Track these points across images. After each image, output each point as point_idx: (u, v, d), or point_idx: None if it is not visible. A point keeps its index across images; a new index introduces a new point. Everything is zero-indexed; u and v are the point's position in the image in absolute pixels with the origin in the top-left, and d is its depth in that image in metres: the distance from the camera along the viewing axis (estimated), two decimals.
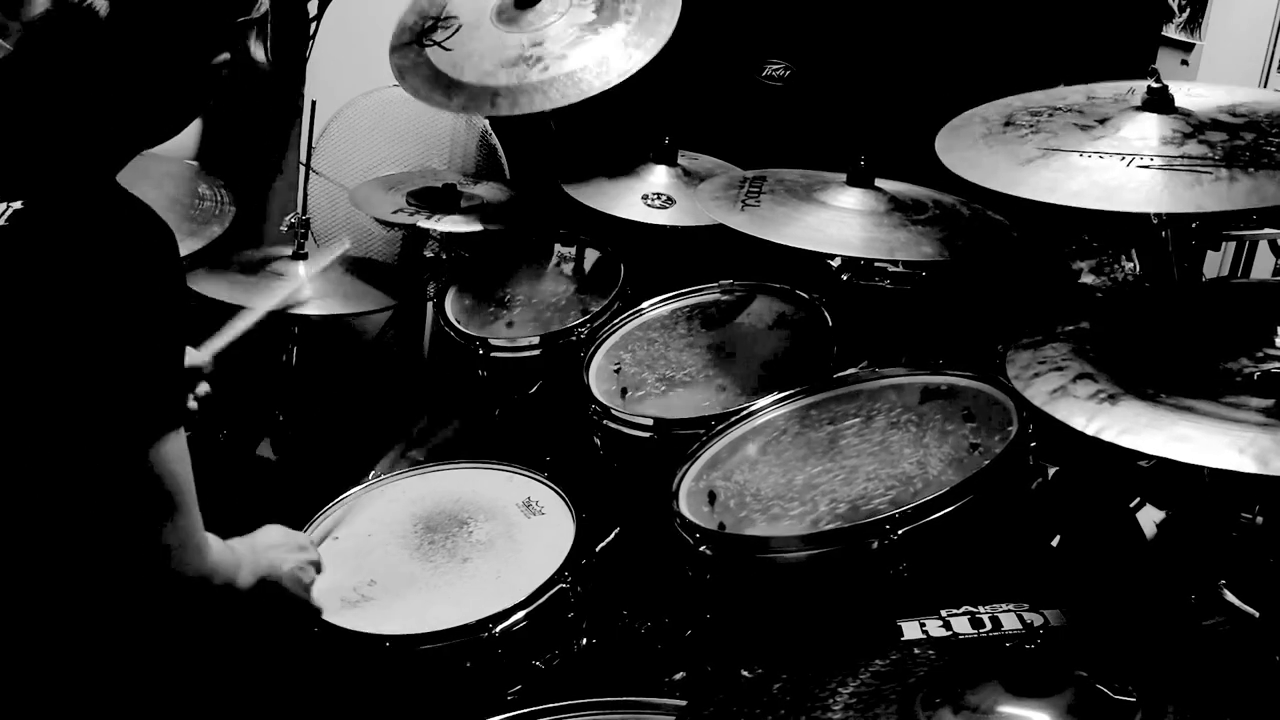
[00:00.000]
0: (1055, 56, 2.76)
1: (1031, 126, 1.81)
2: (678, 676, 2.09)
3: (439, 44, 2.73)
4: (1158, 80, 1.76)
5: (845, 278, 2.46)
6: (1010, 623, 1.56)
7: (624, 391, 2.36)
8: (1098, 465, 2.10)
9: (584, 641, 2.03)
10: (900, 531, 1.75)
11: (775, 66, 3.13)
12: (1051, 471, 2.03)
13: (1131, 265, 2.33)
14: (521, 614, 1.94)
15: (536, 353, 2.60)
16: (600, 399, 2.33)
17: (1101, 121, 1.77)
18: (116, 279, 1.33)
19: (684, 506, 2.01)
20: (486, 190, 3.09)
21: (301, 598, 1.77)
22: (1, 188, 1.33)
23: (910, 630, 1.55)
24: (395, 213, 2.91)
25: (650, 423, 2.24)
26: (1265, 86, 2.77)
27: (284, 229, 3.01)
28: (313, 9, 3.05)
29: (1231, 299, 1.87)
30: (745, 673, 1.89)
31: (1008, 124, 1.84)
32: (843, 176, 2.33)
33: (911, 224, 2.21)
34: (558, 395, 2.57)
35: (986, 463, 1.85)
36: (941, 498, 1.78)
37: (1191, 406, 1.44)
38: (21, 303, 1.32)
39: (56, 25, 1.37)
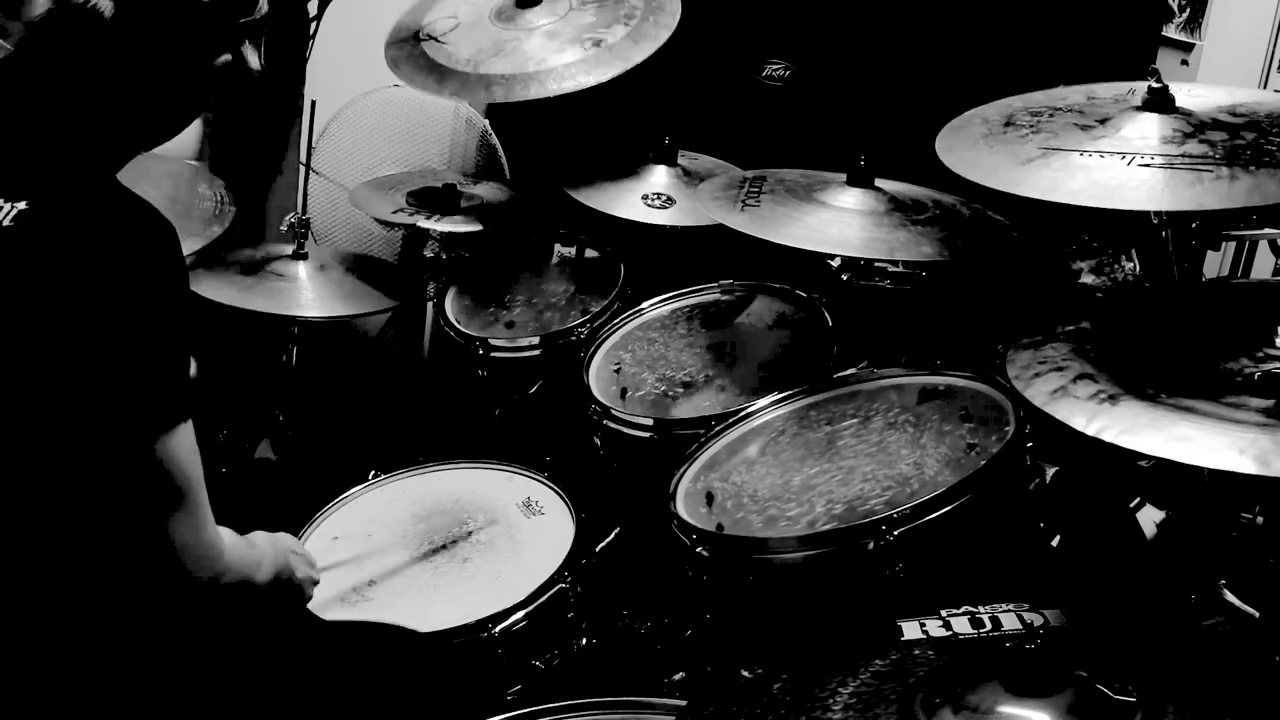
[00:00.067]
0: (1055, 57, 2.76)
1: (1032, 126, 1.81)
2: (678, 676, 2.09)
3: (435, 38, 2.73)
4: (1158, 80, 1.76)
5: (845, 278, 2.46)
6: (1010, 623, 1.56)
7: (624, 392, 2.36)
8: (1098, 465, 2.10)
9: (584, 641, 2.03)
10: (896, 532, 1.75)
11: (775, 66, 3.13)
12: (1051, 472, 2.03)
13: (1131, 265, 2.33)
14: (521, 614, 1.94)
15: (536, 353, 2.60)
16: (600, 399, 2.33)
17: (1102, 121, 1.76)
18: (121, 276, 1.33)
19: (681, 508, 2.01)
20: (486, 190, 3.08)
21: (300, 605, 1.78)
22: (6, 188, 1.34)
23: (910, 630, 1.55)
24: (395, 213, 2.91)
25: (650, 423, 2.24)
26: (1265, 87, 2.77)
27: (284, 229, 3.01)
28: (313, 9, 3.05)
29: (1231, 299, 1.86)
30: (745, 673, 1.89)
31: (1008, 124, 1.84)
32: (843, 176, 2.33)
33: (911, 224, 2.21)
34: (558, 395, 2.57)
35: (983, 463, 1.85)
36: (937, 498, 1.78)
37: (1191, 407, 1.44)
38: (28, 301, 1.32)
39: (61, 25, 1.37)
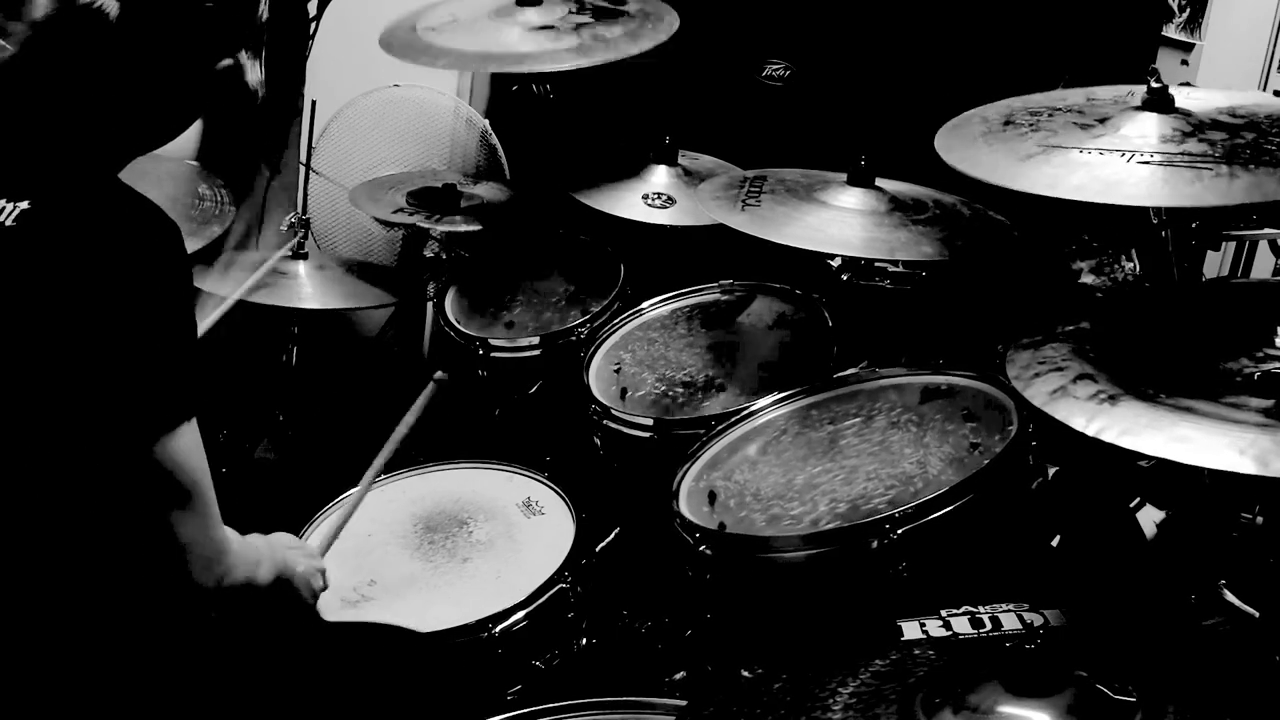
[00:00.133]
0: (1055, 57, 2.76)
1: (1031, 125, 1.81)
2: (678, 676, 2.09)
3: (431, 28, 2.75)
4: (1158, 80, 1.76)
5: (845, 278, 2.46)
6: (1010, 623, 1.56)
7: (624, 392, 2.36)
8: (1098, 465, 2.10)
9: (584, 641, 2.03)
10: (900, 531, 1.75)
11: (775, 66, 3.13)
12: (1051, 471, 2.03)
13: (1131, 265, 2.33)
14: (521, 614, 1.94)
15: (536, 353, 2.60)
16: (600, 399, 2.33)
17: (1101, 121, 1.76)
18: (125, 275, 1.34)
19: (684, 506, 2.01)
20: (486, 190, 3.08)
21: (308, 602, 1.78)
22: (9, 188, 1.34)
23: (910, 630, 1.56)
24: (395, 213, 2.91)
25: (650, 423, 2.24)
26: (1265, 87, 2.77)
27: (284, 229, 3.01)
28: (313, 9, 3.05)
29: (1231, 299, 1.87)
30: (745, 673, 1.89)
31: (1007, 123, 1.84)
32: (843, 176, 2.33)
33: (911, 224, 2.21)
34: (558, 395, 2.57)
35: (986, 462, 1.85)
36: (941, 497, 1.78)
37: (1191, 407, 1.44)
38: (32, 300, 1.33)
39: (66, 26, 1.37)
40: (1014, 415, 1.93)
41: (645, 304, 2.62)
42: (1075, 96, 1.88)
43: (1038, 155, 1.72)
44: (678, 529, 1.97)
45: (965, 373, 2.11)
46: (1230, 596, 1.82)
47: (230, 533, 1.50)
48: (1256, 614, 1.78)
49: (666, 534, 2.00)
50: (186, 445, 1.39)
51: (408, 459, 2.51)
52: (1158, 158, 1.64)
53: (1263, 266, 2.56)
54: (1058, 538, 2.06)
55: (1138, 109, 1.76)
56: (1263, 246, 2.50)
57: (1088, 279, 2.35)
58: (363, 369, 3.46)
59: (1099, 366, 1.57)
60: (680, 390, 2.35)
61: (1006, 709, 1.18)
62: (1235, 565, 1.86)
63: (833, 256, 2.44)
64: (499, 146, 3.50)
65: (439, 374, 2.18)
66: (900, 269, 2.45)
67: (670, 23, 2.69)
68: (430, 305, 3.00)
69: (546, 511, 2.19)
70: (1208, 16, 2.87)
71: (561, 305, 2.73)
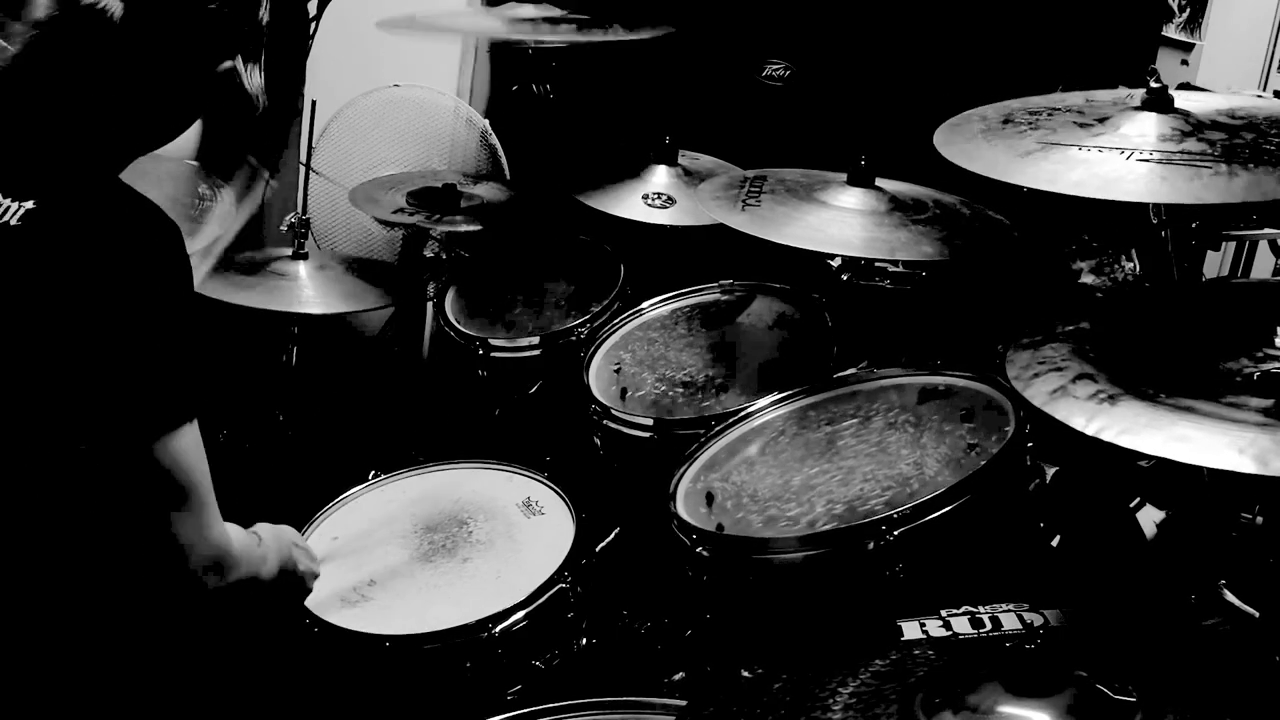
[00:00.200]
0: (1055, 56, 2.76)
1: (1030, 124, 1.81)
2: (678, 676, 2.09)
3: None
4: (1157, 80, 1.76)
5: (845, 278, 2.46)
6: (1010, 623, 1.56)
7: (624, 392, 2.36)
8: (1098, 465, 2.10)
9: (584, 641, 2.03)
10: (896, 532, 1.75)
11: (775, 66, 3.13)
12: (1051, 472, 2.03)
13: (1131, 265, 2.33)
14: (521, 614, 1.94)
15: (536, 353, 2.60)
16: (600, 399, 2.33)
17: (1101, 120, 1.76)
18: (127, 275, 1.34)
19: (681, 508, 2.01)
20: (486, 190, 3.08)
21: (301, 598, 1.79)
22: (14, 187, 1.34)
23: (910, 630, 1.55)
24: (395, 213, 2.92)
25: (650, 423, 2.24)
26: (1265, 87, 2.77)
27: (284, 229, 3.01)
28: (313, 9, 3.05)
29: (1231, 299, 1.86)
30: (745, 673, 1.89)
31: (1006, 122, 1.84)
32: (843, 176, 2.33)
33: (911, 224, 2.21)
34: (558, 395, 2.57)
35: (983, 463, 1.85)
36: (937, 498, 1.78)
37: (1191, 407, 1.44)
38: (34, 299, 1.33)
39: (69, 27, 1.38)
40: (1011, 416, 1.93)
41: (645, 304, 2.62)
42: (1074, 98, 1.88)
43: (1036, 152, 1.72)
44: (675, 530, 1.97)
45: (963, 373, 2.10)
46: (1230, 596, 1.82)
47: (233, 531, 1.51)
48: (1256, 614, 1.78)
49: (666, 534, 2.00)
50: (187, 446, 1.39)
51: (408, 459, 2.52)
52: (1157, 156, 1.64)
53: (1263, 266, 2.56)
54: (1058, 538, 2.06)
55: (1137, 109, 1.76)
56: (1263, 246, 2.50)
57: (1088, 279, 2.35)
58: (363, 369, 3.46)
59: (1099, 366, 1.57)
60: (680, 390, 2.35)
61: (1006, 709, 1.18)
62: (1235, 565, 1.86)
63: (833, 256, 2.44)
64: (499, 146, 3.50)
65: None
66: (900, 269, 2.45)
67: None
68: (430, 305, 3.00)
69: (546, 511, 2.19)
70: (1208, 16, 2.87)
71: (561, 305, 2.73)
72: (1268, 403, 1.45)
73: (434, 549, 2.13)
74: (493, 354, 2.62)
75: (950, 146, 1.81)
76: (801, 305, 2.49)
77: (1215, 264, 2.63)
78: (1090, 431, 1.45)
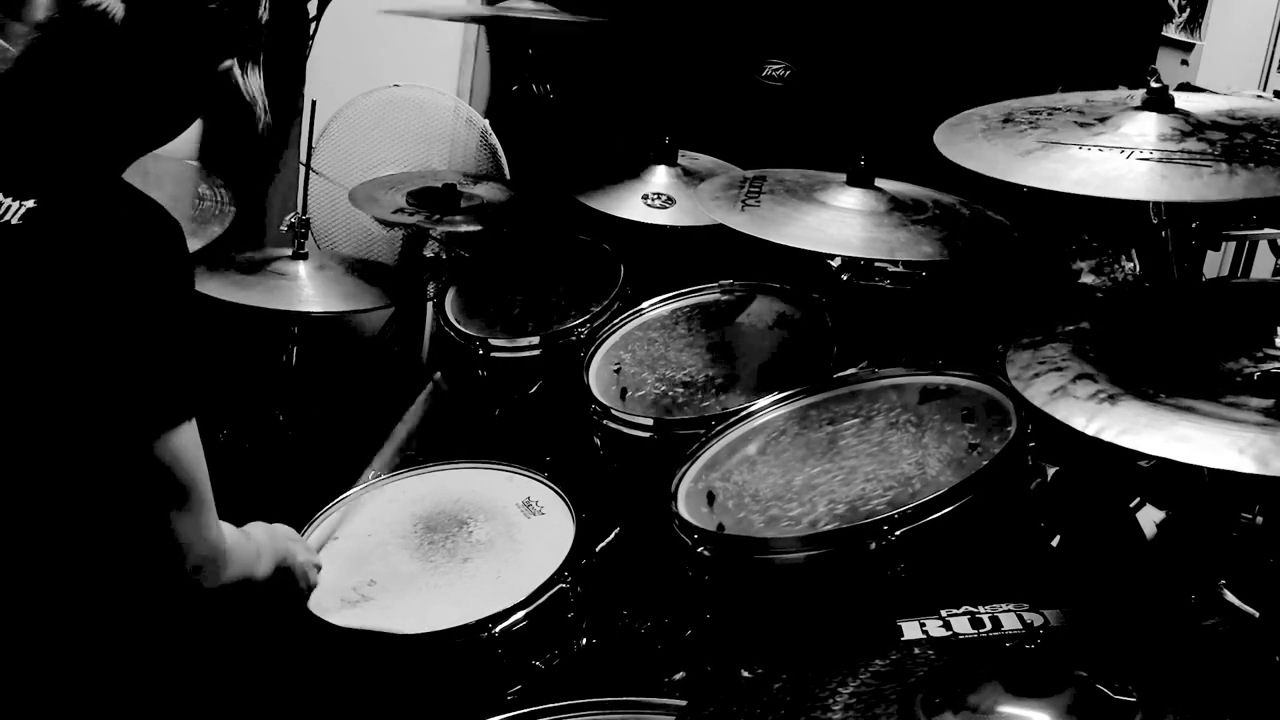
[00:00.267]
0: (1056, 56, 2.76)
1: (1031, 124, 1.81)
2: (678, 676, 2.09)
3: None
4: (1158, 80, 1.76)
5: (845, 278, 2.46)
6: (1010, 623, 1.56)
7: (624, 392, 2.36)
8: (1098, 465, 2.10)
9: (584, 641, 2.03)
10: (898, 532, 1.75)
11: (775, 66, 3.13)
12: (1051, 472, 2.03)
13: (1131, 265, 2.33)
14: (521, 614, 1.94)
15: (536, 353, 2.60)
16: (600, 399, 2.33)
17: (1101, 120, 1.77)
18: (128, 274, 1.34)
19: (682, 507, 2.01)
20: (486, 190, 3.09)
21: (302, 592, 1.79)
22: (15, 186, 1.35)
23: (910, 630, 1.55)
24: (395, 213, 2.92)
25: (650, 423, 2.24)
26: (1265, 87, 2.77)
27: (284, 229, 3.01)
28: (313, 9, 3.05)
29: (1231, 299, 1.86)
30: (745, 673, 1.89)
31: (1006, 121, 1.84)
32: (843, 176, 2.33)
33: (911, 224, 2.21)
34: (558, 395, 2.57)
35: (985, 463, 1.85)
36: (939, 498, 1.78)
37: (1191, 407, 1.44)
38: (36, 297, 1.33)
39: (71, 28, 1.38)
40: (1012, 416, 1.93)
41: (645, 304, 2.62)
42: (1074, 97, 1.88)
43: (1037, 151, 1.72)
44: (676, 530, 1.97)
45: (964, 373, 2.10)
46: (1230, 596, 1.82)
47: (228, 530, 1.51)
48: (1256, 614, 1.78)
49: (666, 534, 2.00)
50: (186, 444, 1.39)
51: (408, 459, 2.52)
52: (1157, 155, 1.64)
53: (1263, 266, 2.57)
54: (1058, 538, 2.06)
55: (1137, 109, 1.76)
56: (1263, 246, 2.51)
57: (1088, 279, 2.35)
58: (363, 369, 3.46)
59: (1099, 366, 1.57)
60: (680, 390, 2.35)
61: (1006, 709, 1.18)
62: (1235, 565, 1.86)
63: (833, 256, 2.44)
64: (499, 146, 3.50)
65: (438, 375, 2.19)
66: (900, 269, 2.45)
67: None
68: (430, 305, 3.00)
69: (546, 511, 2.19)
70: (1208, 16, 2.87)
71: (561, 305, 2.73)
72: (1268, 403, 1.45)
73: (434, 549, 2.13)
74: (493, 354, 2.62)
75: (950, 146, 1.81)
76: (801, 305, 2.49)
77: (1215, 264, 2.64)
78: (1090, 431, 1.45)
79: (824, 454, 2.05)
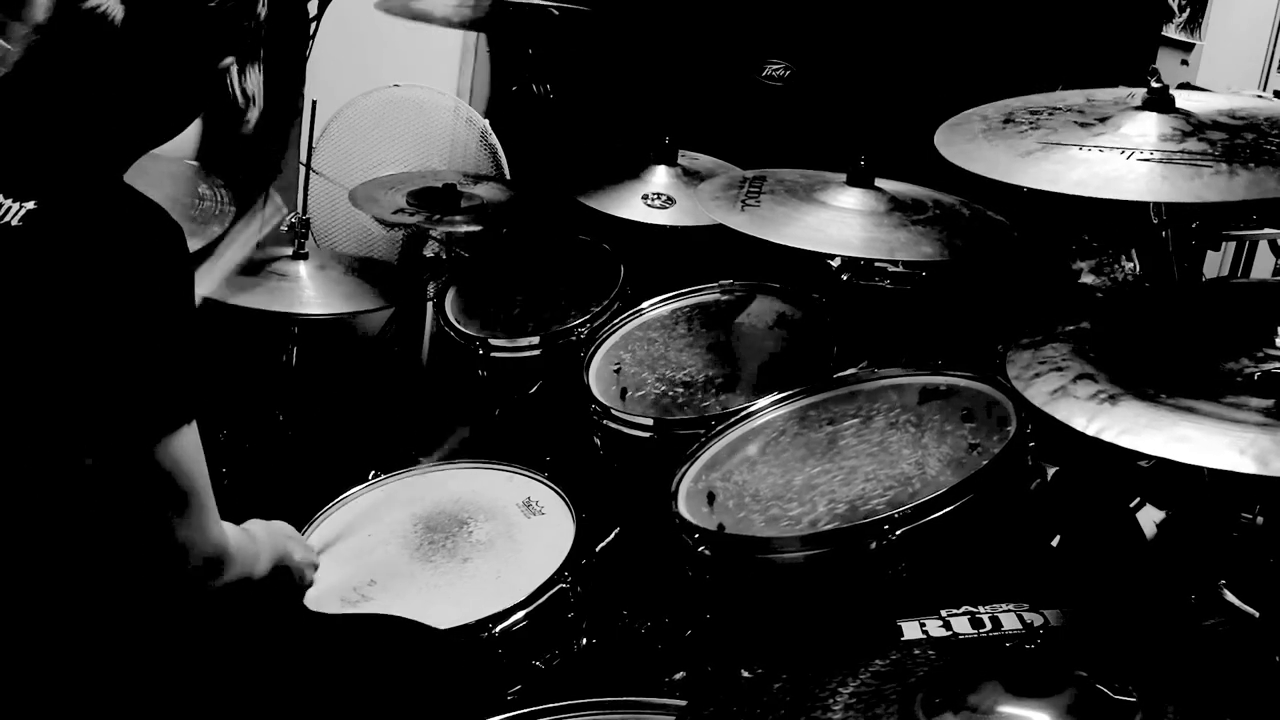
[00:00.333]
0: (1056, 56, 2.76)
1: (1031, 124, 1.81)
2: (678, 676, 2.09)
3: None
4: (1158, 80, 1.76)
5: (845, 278, 2.46)
6: (1010, 623, 1.56)
7: (624, 392, 2.36)
8: (1098, 465, 2.10)
9: (584, 641, 2.03)
10: (898, 532, 1.75)
11: (775, 66, 3.13)
12: (1051, 472, 2.03)
13: (1131, 265, 2.33)
14: (521, 614, 1.94)
15: (536, 353, 2.60)
16: (600, 399, 2.33)
17: (1101, 120, 1.77)
18: (129, 275, 1.34)
19: (683, 507, 2.01)
20: (486, 190, 3.09)
21: (298, 593, 1.79)
22: (14, 187, 1.35)
23: (910, 630, 1.55)
24: (395, 213, 2.92)
25: (650, 423, 2.24)
26: (1265, 87, 2.77)
27: (284, 229, 3.01)
28: (313, 9, 3.05)
29: (1231, 299, 1.86)
30: (745, 673, 1.89)
31: (1007, 121, 1.84)
32: (843, 176, 2.33)
33: (911, 224, 2.21)
34: (558, 395, 2.57)
35: (985, 463, 1.85)
36: (939, 498, 1.78)
37: (1192, 407, 1.44)
38: (36, 299, 1.33)
39: (70, 29, 1.38)
40: (1012, 416, 1.93)
41: (645, 304, 2.62)
42: (1075, 97, 1.88)
43: (1037, 152, 1.72)
44: (676, 530, 1.97)
45: (964, 373, 2.11)
46: (1230, 596, 1.82)
47: (229, 530, 1.51)
48: (1256, 614, 1.78)
49: (666, 534, 2.00)
50: (186, 446, 1.39)
51: (407, 459, 2.52)
52: (1157, 156, 1.64)
53: (1263, 266, 2.57)
54: (1058, 538, 2.06)
55: (1138, 109, 1.76)
56: (1263, 246, 2.50)
57: (1088, 279, 2.35)
58: (363, 369, 3.46)
59: (1099, 366, 1.57)
60: (680, 390, 2.35)
61: (1006, 709, 1.18)
62: (1235, 565, 1.86)
63: (833, 256, 2.44)
64: (499, 146, 3.50)
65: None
66: (900, 269, 2.45)
67: None
68: (430, 305, 3.00)
69: (546, 511, 2.19)
70: (1208, 16, 2.87)
71: (561, 305, 2.73)
72: (1268, 403, 1.45)
73: (434, 549, 2.13)
74: (493, 354, 2.62)
75: (950, 147, 1.81)
76: (801, 305, 2.49)
77: (1215, 264, 2.64)
78: (1091, 432, 1.45)
79: (824, 454, 2.05)
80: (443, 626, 1.91)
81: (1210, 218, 2.11)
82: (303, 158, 3.21)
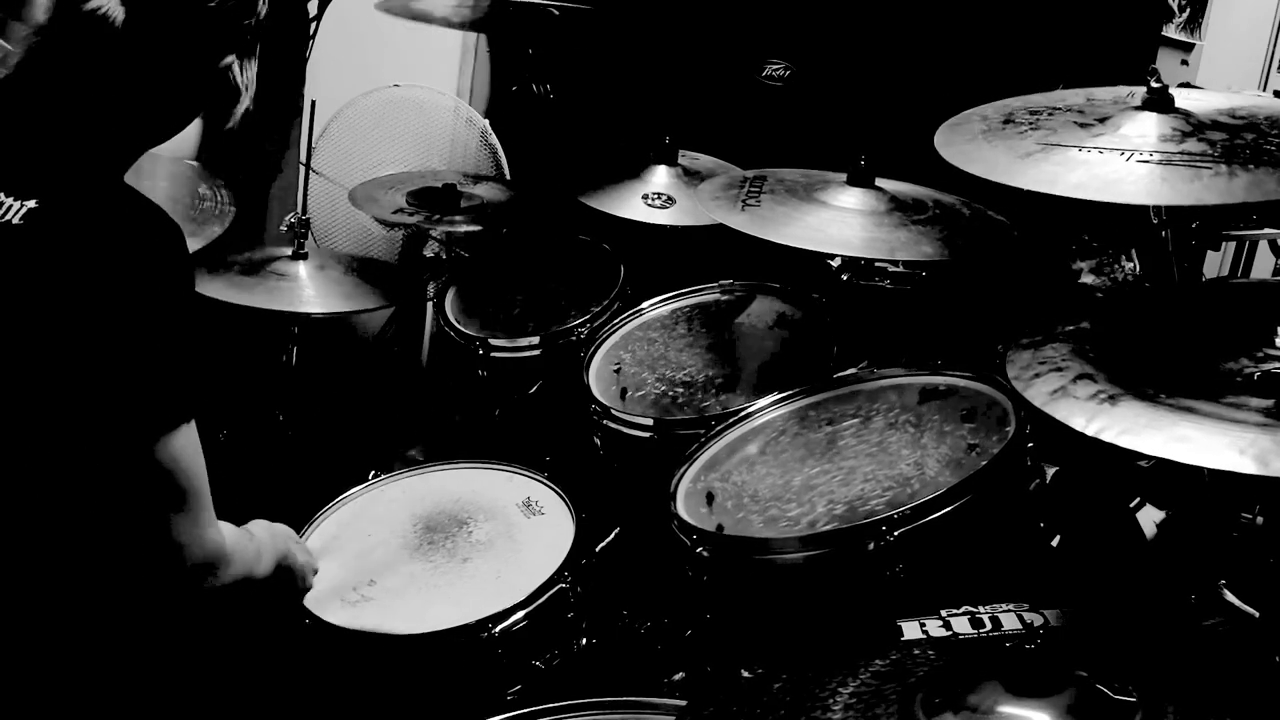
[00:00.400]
0: (1056, 56, 2.76)
1: (1031, 124, 1.81)
2: (678, 676, 2.09)
3: None
4: (1158, 80, 1.76)
5: (845, 278, 2.46)
6: (1010, 623, 1.56)
7: (624, 392, 2.36)
8: (1098, 465, 2.10)
9: (584, 641, 2.03)
10: (897, 533, 1.75)
11: (775, 66, 3.13)
12: (1051, 472, 2.03)
13: (1131, 265, 2.33)
14: (521, 614, 1.94)
15: (536, 353, 2.60)
16: (600, 399, 2.33)
17: (1101, 120, 1.77)
18: (128, 276, 1.34)
19: (682, 508, 2.01)
20: (486, 190, 3.09)
21: (300, 591, 1.79)
22: (16, 186, 1.35)
23: (910, 630, 1.55)
24: (395, 213, 2.92)
25: (650, 423, 2.24)
26: (1265, 87, 2.77)
27: (284, 229, 3.01)
28: (313, 9, 3.05)
29: (1231, 299, 1.86)
30: (745, 673, 1.89)
31: (1007, 122, 1.84)
32: (843, 176, 2.33)
33: (911, 224, 2.21)
34: (558, 395, 2.57)
35: (983, 464, 1.85)
36: (938, 499, 1.78)
37: (1191, 407, 1.44)
38: (36, 298, 1.33)
39: (71, 30, 1.38)
40: (1011, 416, 1.93)
41: (645, 304, 2.62)
42: (1075, 97, 1.88)
43: (1037, 153, 1.72)
44: (675, 531, 1.97)
45: (963, 373, 2.10)
46: (1230, 596, 1.82)
47: (227, 530, 1.51)
48: (1256, 614, 1.78)
49: (666, 534, 2.00)
50: (185, 446, 1.39)
51: (407, 459, 2.52)
52: (1157, 157, 1.64)
53: (1263, 266, 2.57)
54: (1058, 538, 2.06)
55: (1137, 109, 1.76)
56: (1263, 246, 2.51)
57: (1088, 279, 2.35)
58: (363, 369, 3.46)
59: (1099, 366, 1.57)
60: (680, 390, 2.35)
61: (1006, 709, 1.18)
62: (1235, 565, 1.86)
63: (833, 256, 2.44)
64: (499, 146, 3.50)
65: None
66: (900, 269, 2.45)
67: None
68: (430, 305, 3.00)
69: (546, 511, 2.19)
70: (1208, 16, 2.87)
71: (561, 305, 2.73)
72: (1268, 403, 1.45)
73: (434, 549, 2.13)
74: (493, 354, 2.62)
75: (950, 147, 1.81)
76: (801, 305, 2.49)
77: (1215, 264, 2.64)
78: (1090, 432, 1.45)
79: (823, 454, 2.05)
80: (442, 626, 1.91)
81: (1210, 218, 2.12)
82: (303, 158, 3.20)
